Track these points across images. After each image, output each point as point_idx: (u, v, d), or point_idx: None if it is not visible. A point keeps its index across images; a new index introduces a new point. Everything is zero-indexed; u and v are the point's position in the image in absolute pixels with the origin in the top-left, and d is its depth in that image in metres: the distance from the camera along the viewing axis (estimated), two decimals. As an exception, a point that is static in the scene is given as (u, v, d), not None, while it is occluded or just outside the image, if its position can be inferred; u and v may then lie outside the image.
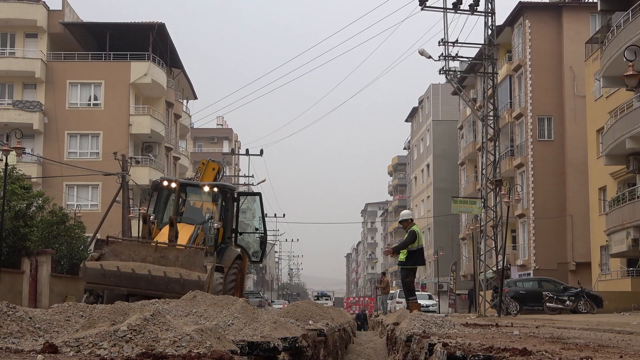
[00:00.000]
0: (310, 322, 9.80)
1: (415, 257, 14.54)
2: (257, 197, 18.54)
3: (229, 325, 6.02)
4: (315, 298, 72.57)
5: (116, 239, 15.54)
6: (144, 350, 3.82)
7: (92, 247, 38.92)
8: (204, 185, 17.13)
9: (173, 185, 16.92)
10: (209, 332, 4.36)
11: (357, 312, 45.83)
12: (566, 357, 4.41)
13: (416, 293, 15.42)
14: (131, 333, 3.96)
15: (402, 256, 14.54)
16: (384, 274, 37.54)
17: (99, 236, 40.86)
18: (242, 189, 54.38)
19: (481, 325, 11.23)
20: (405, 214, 15.23)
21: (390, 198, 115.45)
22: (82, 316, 5.65)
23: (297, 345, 6.18)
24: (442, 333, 7.61)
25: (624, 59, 21.95)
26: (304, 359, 6.93)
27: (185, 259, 14.56)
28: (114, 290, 13.99)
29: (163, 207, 17.15)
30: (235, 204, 17.71)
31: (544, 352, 4.63)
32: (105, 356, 3.75)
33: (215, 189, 17.04)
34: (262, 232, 18.36)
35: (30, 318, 4.82)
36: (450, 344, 5.29)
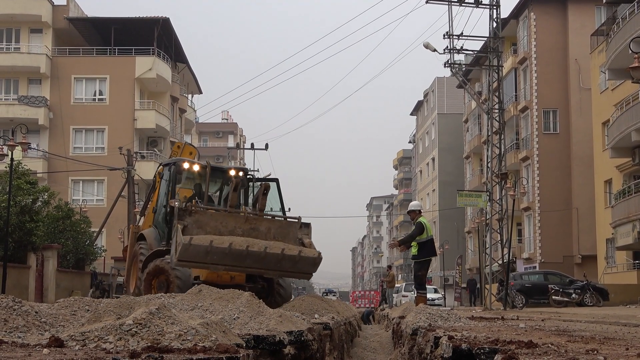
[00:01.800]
0: (316, 315, 9.82)
1: (427, 249, 14.27)
2: (274, 184, 16.50)
3: (234, 319, 6.03)
4: (325, 294, 74.08)
5: (201, 208, 13.25)
6: (149, 344, 3.82)
7: (97, 241, 39.12)
8: (230, 169, 15.56)
9: (196, 167, 15.00)
10: (214, 325, 4.36)
11: (363, 306, 45.86)
12: (572, 350, 4.40)
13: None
14: (137, 327, 3.96)
15: (414, 250, 14.26)
16: (390, 267, 37.44)
17: (104, 231, 41.12)
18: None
19: (487, 319, 11.23)
20: (414, 205, 15.04)
21: (396, 192, 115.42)
22: (88, 310, 5.66)
23: (302, 339, 6.18)
24: (448, 326, 7.60)
25: (630, 51, 21.86)
26: (310, 353, 6.92)
27: (278, 231, 13.09)
28: (209, 267, 12.38)
29: (175, 192, 15.10)
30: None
31: (549, 345, 4.62)
32: (111, 350, 3.75)
33: (241, 173, 15.31)
34: None
35: (36, 312, 4.83)
36: (456, 337, 5.29)
